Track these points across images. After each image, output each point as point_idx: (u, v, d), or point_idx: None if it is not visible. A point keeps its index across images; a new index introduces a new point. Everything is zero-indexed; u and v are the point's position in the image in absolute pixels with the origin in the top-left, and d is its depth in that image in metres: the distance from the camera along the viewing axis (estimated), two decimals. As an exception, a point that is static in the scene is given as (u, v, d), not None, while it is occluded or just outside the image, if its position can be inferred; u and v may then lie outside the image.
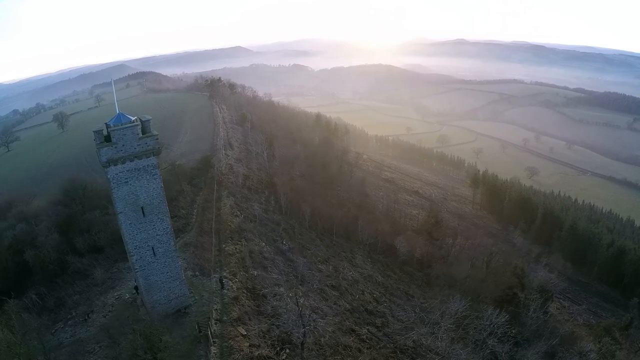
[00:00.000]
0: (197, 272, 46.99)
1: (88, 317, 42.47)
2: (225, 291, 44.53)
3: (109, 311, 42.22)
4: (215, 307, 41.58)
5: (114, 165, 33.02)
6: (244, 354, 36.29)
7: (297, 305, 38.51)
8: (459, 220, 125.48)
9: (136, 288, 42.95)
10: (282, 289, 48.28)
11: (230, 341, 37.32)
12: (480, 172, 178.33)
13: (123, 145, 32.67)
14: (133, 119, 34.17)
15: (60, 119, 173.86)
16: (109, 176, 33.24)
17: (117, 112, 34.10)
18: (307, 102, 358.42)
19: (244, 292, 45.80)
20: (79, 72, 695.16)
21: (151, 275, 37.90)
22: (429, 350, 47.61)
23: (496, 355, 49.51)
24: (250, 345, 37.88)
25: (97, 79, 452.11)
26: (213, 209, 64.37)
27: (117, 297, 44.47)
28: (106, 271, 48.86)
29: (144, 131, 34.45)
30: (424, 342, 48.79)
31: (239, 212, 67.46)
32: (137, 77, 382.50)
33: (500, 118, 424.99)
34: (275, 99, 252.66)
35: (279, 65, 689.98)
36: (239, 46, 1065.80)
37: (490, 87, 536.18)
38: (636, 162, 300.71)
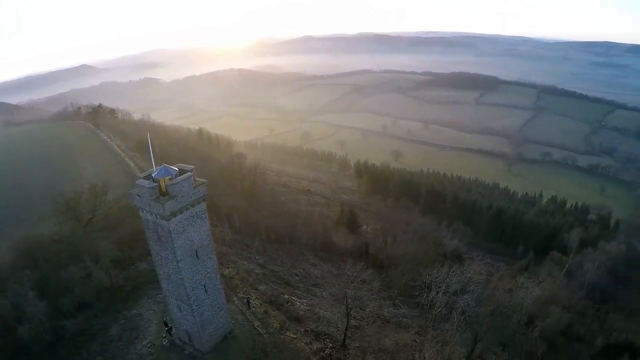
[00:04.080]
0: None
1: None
2: (253, 309, 48.31)
3: (151, 362, 42.71)
4: (256, 324, 45.36)
5: (174, 217, 34.93)
6: (304, 350, 41.62)
7: (345, 301, 44.41)
8: (356, 210, 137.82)
9: (169, 330, 44.37)
10: (294, 297, 53.59)
11: (288, 344, 42.15)
12: (352, 163, 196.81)
13: (182, 196, 34.79)
14: (176, 169, 36.16)
15: None
16: (170, 228, 34.91)
17: (162, 165, 35.77)
18: (164, 116, 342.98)
19: (268, 305, 50.00)
20: None
21: (205, 312, 40.31)
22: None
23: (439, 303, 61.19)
24: (305, 344, 43.28)
25: None
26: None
27: (149, 345, 44.83)
28: (119, 325, 48.03)
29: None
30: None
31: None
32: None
33: (356, 108, 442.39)
34: (136, 116, 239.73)
35: (130, 80, 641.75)
36: (84, 64, 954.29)
37: (342, 80, 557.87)
38: (487, 132, 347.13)
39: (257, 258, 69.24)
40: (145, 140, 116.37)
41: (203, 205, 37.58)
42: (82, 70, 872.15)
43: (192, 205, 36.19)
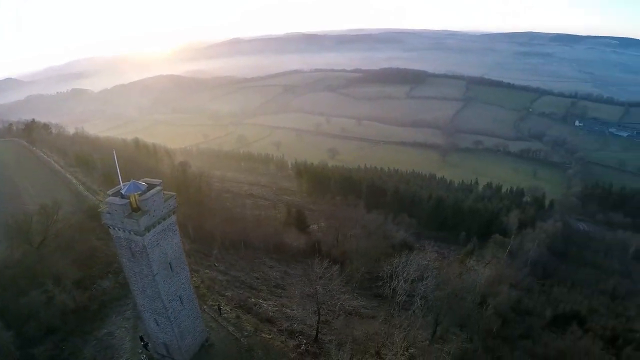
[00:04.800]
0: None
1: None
2: (225, 315, 49.22)
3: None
4: (230, 329, 46.39)
5: (148, 232, 35.31)
6: (282, 348, 43.35)
7: (317, 297, 46.37)
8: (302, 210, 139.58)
9: (145, 345, 44.40)
10: (260, 300, 54.92)
11: (272, 344, 43.75)
12: (290, 163, 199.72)
13: (154, 211, 35.24)
14: (144, 184, 36.46)
15: None
16: (145, 243, 35.21)
17: (131, 180, 35.97)
18: (96, 128, 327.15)
19: (238, 310, 51.11)
20: None
21: (182, 322, 40.89)
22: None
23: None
24: (281, 342, 45.03)
25: None
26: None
27: (126, 363, 44.63)
28: (91, 346, 47.06)
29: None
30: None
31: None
32: None
33: (288, 108, 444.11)
34: (69, 130, 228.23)
35: (57, 92, 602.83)
36: (9, 78, 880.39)
37: (273, 81, 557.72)
38: (419, 125, 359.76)
39: (217, 265, 69.85)
40: (85, 156, 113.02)
41: (173, 217, 38.12)
42: (6, 84, 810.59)
43: (164, 219, 36.63)
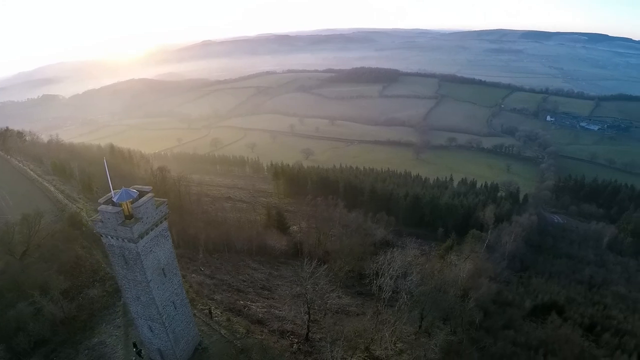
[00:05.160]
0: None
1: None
2: (216, 318, 49.82)
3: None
4: (222, 332, 47.04)
5: (141, 239, 35.68)
6: (276, 348, 44.38)
7: (306, 297, 47.39)
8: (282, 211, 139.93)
9: (139, 352, 44.60)
10: (248, 302, 55.62)
11: (259, 346, 44.56)
12: (265, 165, 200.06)
13: (147, 217, 35.64)
14: (136, 191, 36.77)
15: None
16: (139, 250, 35.53)
17: (122, 188, 36.24)
18: (68, 134, 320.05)
19: (228, 313, 51.72)
20: None
21: (176, 327, 41.38)
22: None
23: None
24: (274, 343, 45.94)
25: None
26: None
27: (121, 371, 44.75)
28: (83, 356, 46.89)
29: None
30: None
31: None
32: None
33: (262, 110, 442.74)
34: (43, 137, 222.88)
35: (27, 98, 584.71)
36: None
37: (246, 83, 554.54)
38: (393, 123, 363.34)
39: (203, 270, 70.16)
40: (62, 163, 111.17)
41: (165, 223, 38.61)
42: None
43: (156, 225, 37.07)
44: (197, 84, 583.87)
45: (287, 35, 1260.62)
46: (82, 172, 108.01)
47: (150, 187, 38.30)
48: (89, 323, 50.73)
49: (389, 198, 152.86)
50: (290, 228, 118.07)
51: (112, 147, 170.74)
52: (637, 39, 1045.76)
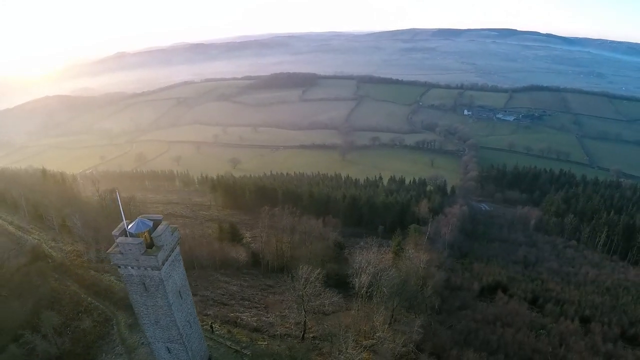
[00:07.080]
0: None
1: None
2: (218, 332, 52.54)
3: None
4: (228, 343, 50.02)
5: (163, 265, 38.04)
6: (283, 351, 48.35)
7: (303, 299, 51.51)
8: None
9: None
10: (238, 313, 58.82)
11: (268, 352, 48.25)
12: (195, 178, 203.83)
13: (167, 244, 38.10)
14: (151, 221, 39.04)
15: None
16: (162, 276, 37.65)
17: (137, 218, 38.33)
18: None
19: (227, 326, 54.58)
20: None
21: (193, 346, 43.72)
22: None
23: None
24: (277, 346, 49.85)
25: None
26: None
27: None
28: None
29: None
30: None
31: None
32: None
33: (184, 121, 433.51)
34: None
35: None
36: None
37: (165, 94, 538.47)
38: (316, 127, 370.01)
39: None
40: (3, 193, 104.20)
41: (178, 248, 41.06)
42: None
43: (172, 250, 39.53)
44: (114, 98, 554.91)
45: (201, 44, 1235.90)
46: (26, 200, 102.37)
47: (161, 216, 40.64)
48: (87, 356, 50.84)
49: (326, 201, 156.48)
50: (244, 239, 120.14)
51: (44, 171, 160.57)
52: (544, 32, 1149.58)
